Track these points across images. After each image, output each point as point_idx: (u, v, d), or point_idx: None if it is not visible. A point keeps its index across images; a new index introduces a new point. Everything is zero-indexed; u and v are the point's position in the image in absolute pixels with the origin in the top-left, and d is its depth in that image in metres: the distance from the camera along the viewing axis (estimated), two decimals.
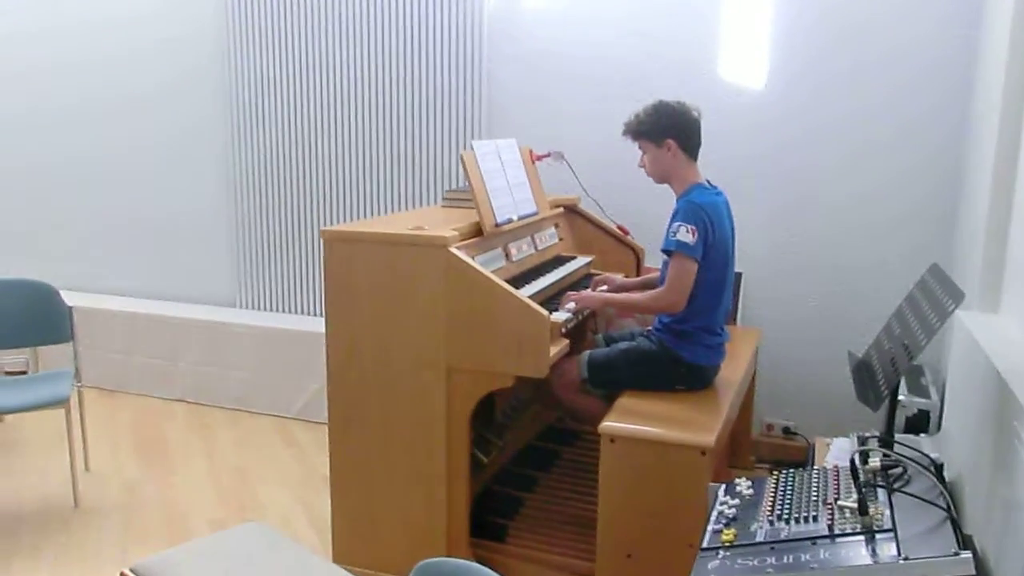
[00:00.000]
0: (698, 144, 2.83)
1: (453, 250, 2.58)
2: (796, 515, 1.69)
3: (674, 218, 2.75)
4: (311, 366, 4.26)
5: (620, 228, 3.72)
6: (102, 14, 4.90)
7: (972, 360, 2.43)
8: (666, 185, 2.93)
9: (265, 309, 4.79)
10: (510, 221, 3.05)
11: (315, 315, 4.67)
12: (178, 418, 4.42)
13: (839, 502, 1.64)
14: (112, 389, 4.75)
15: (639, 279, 3.28)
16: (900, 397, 3.06)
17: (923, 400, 3.02)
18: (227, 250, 4.85)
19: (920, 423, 2.99)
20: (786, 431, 3.79)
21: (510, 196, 3.14)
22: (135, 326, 4.73)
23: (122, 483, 3.64)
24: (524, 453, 3.54)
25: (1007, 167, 2.61)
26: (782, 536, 1.62)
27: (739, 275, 3.67)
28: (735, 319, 3.69)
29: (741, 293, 3.73)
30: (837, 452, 2.82)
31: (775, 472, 1.94)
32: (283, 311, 4.75)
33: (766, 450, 3.78)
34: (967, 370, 2.51)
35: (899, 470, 1.78)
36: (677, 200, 2.82)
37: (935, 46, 3.40)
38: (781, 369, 3.77)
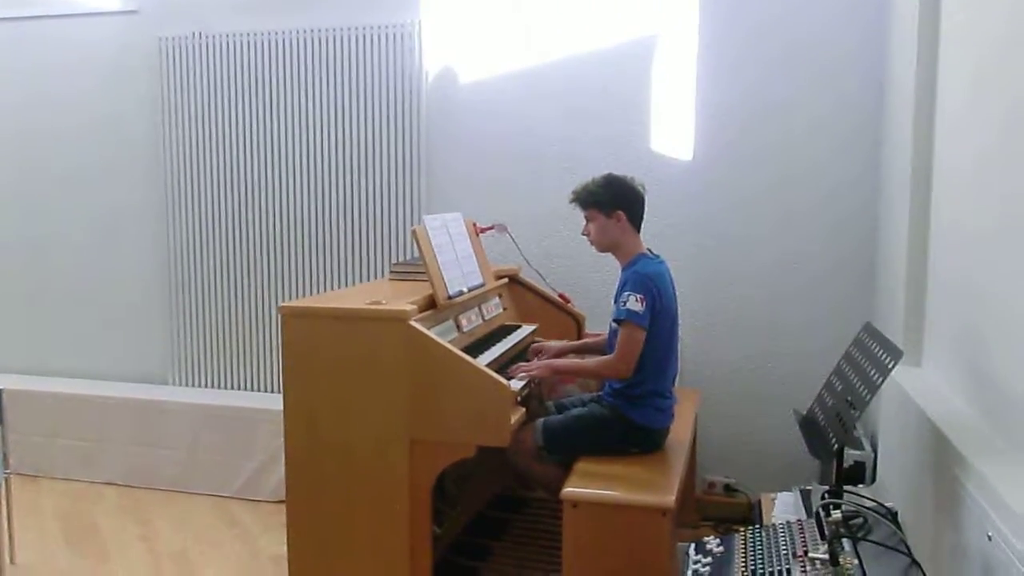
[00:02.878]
0: (642, 216, 2.99)
1: (413, 323, 2.63)
2: (769, 570, 1.78)
3: (623, 288, 2.88)
4: (250, 442, 4.19)
5: (561, 296, 3.83)
6: (29, 91, 4.83)
7: (904, 413, 2.60)
8: (606, 254, 3.07)
9: (199, 386, 4.69)
10: (461, 293, 3.12)
11: (252, 390, 4.59)
12: (109, 502, 4.24)
13: (810, 554, 1.74)
14: (34, 475, 4.53)
15: (577, 343, 3.39)
16: None
17: (858, 452, 3.18)
18: (160, 326, 4.75)
19: (856, 474, 3.15)
20: (727, 488, 3.91)
21: (459, 269, 3.22)
22: (59, 407, 4.54)
23: (54, 575, 3.46)
24: (476, 522, 3.55)
25: (920, 232, 2.84)
26: None
27: None
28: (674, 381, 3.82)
29: (679, 355, 3.87)
30: (783, 507, 2.94)
31: (743, 529, 2.03)
32: (219, 387, 4.66)
33: (710, 508, 3.89)
34: (900, 422, 2.68)
35: (860, 520, 1.90)
36: (623, 270, 2.96)
37: (845, 119, 3.69)
38: (718, 427, 3.91)
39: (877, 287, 3.64)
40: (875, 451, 3.19)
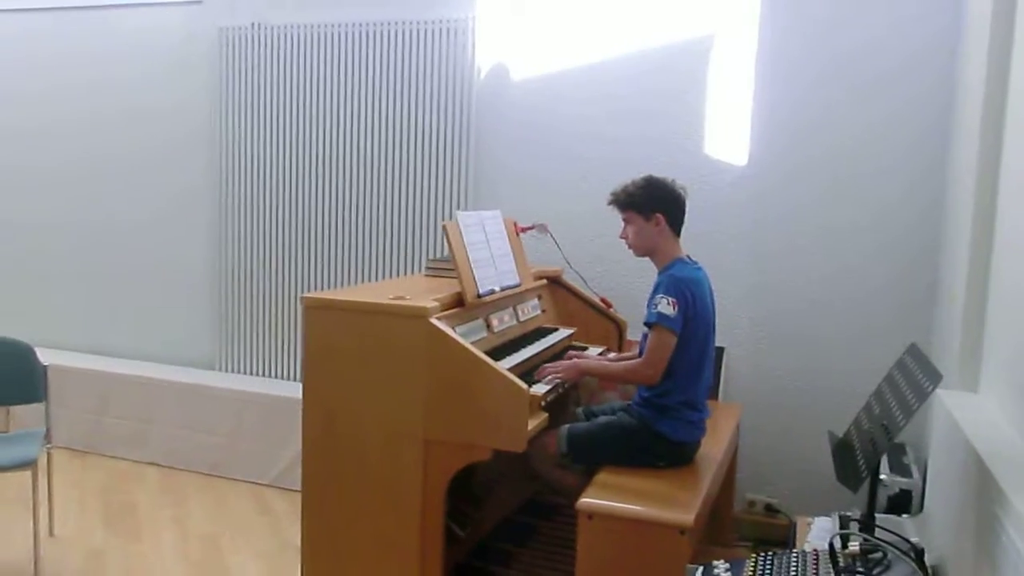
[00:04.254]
0: (682, 221, 2.87)
1: (433, 321, 2.57)
2: None
3: (656, 291, 2.76)
4: (290, 432, 4.17)
5: (603, 300, 3.73)
6: (93, 78, 4.97)
7: (953, 442, 2.42)
8: (646, 259, 2.95)
9: (246, 373, 4.74)
10: (492, 292, 3.05)
11: (296, 380, 4.61)
12: (149, 482, 4.32)
13: None
14: (82, 450, 4.65)
15: (618, 356, 3.27)
16: (882, 476, 3.03)
17: (905, 479, 2.99)
18: (210, 313, 4.82)
19: (902, 503, 2.96)
20: (768, 508, 3.74)
21: (493, 267, 3.15)
22: (110, 386, 4.65)
23: (87, 550, 3.53)
24: (502, 527, 3.47)
25: (983, 250, 2.65)
26: None
27: (721, 350, 3.66)
28: (717, 394, 3.67)
29: (723, 368, 3.72)
30: (818, 532, 2.78)
31: (754, 555, 1.90)
32: (264, 375, 4.70)
33: (748, 527, 3.72)
34: (948, 451, 2.50)
35: (879, 555, 1.76)
36: (659, 274, 2.84)
37: (909, 127, 3.47)
38: (763, 444, 3.74)
39: (937, 303, 3.42)
40: (924, 480, 2.99)
